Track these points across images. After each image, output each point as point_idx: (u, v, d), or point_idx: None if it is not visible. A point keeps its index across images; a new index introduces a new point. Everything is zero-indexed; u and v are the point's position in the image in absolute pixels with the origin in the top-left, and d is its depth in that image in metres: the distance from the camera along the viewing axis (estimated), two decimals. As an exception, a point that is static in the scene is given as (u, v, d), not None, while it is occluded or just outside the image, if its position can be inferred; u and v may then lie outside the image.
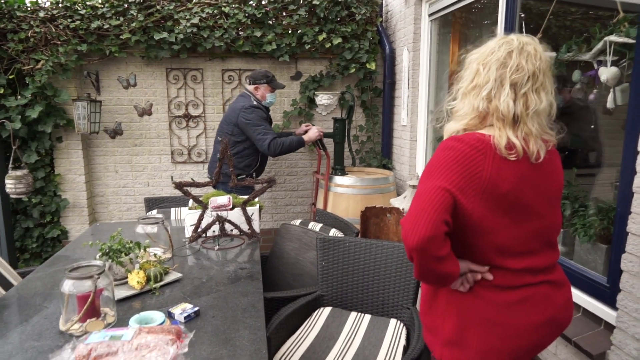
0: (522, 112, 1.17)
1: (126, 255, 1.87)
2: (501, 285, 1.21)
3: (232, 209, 2.51)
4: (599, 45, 1.82)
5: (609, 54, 1.73)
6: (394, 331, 1.92)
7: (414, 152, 3.65)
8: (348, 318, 2.04)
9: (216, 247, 2.33)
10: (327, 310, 2.10)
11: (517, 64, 1.17)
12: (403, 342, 1.85)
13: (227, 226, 2.47)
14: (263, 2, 3.61)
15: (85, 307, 1.45)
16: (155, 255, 1.99)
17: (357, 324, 1.99)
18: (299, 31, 3.68)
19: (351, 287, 2.14)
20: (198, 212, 2.46)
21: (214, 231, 2.48)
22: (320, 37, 3.65)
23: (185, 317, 1.54)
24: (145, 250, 1.94)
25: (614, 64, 1.75)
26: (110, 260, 1.82)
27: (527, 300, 1.21)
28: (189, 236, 2.45)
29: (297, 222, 2.69)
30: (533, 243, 1.21)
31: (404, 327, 1.95)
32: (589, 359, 1.70)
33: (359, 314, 2.08)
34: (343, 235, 2.37)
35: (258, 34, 3.59)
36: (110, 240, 1.88)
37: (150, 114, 3.81)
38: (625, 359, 1.58)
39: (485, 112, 1.20)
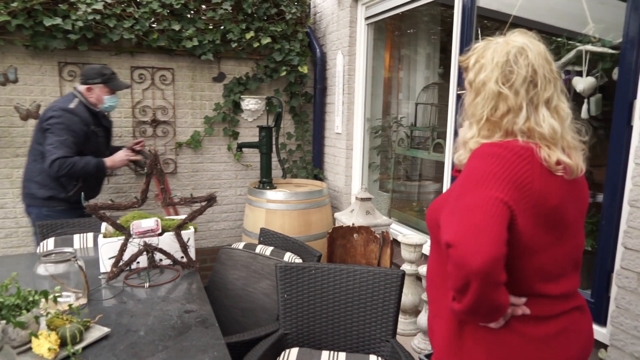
0: (560, 126, 1.05)
1: (27, 311, 1.36)
2: (540, 315, 1.06)
3: (161, 234, 2.06)
4: (571, 55, 1.79)
5: (585, 64, 1.69)
6: (378, 371, 1.67)
7: (350, 162, 3.47)
8: (320, 359, 1.74)
9: (147, 285, 1.87)
10: (294, 351, 1.78)
11: (544, 76, 1.04)
12: (392, 384, 1.61)
13: (157, 256, 2.01)
14: (181, -9, 3.15)
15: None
16: (69, 305, 1.49)
17: (332, 365, 1.70)
18: (223, 27, 3.28)
19: (320, 322, 1.84)
20: (119, 240, 1.97)
21: (138, 262, 2.01)
22: (248, 36, 3.30)
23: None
24: (55, 301, 1.44)
25: (588, 74, 1.72)
26: (3, 322, 1.30)
27: (565, 331, 1.08)
28: (105, 272, 1.95)
29: (240, 245, 2.31)
30: (568, 265, 1.09)
31: (388, 365, 1.71)
32: (583, 380, 1.63)
33: (332, 352, 1.79)
34: (301, 260, 2.06)
35: (176, 27, 3.12)
36: (0, 290, 1.36)
37: (37, 117, 3.09)
38: (621, 378, 1.52)
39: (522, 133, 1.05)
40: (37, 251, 2.35)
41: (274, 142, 3.31)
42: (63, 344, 1.33)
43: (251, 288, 2.08)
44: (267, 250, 2.19)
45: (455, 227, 0.96)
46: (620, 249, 1.54)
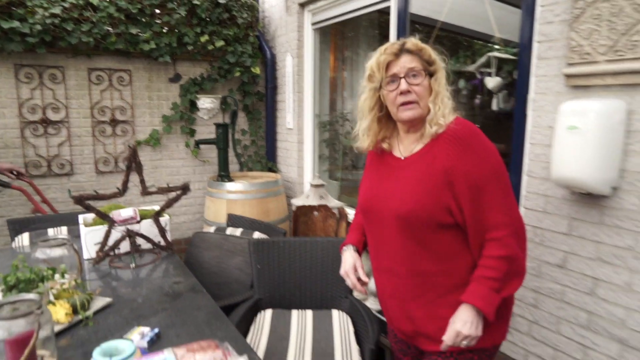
0: None
1: (42, 285, 1.56)
2: None
3: (139, 221, 2.29)
4: (482, 59, 2.24)
5: (494, 67, 2.14)
6: (340, 321, 2.02)
7: (301, 154, 3.80)
8: (291, 317, 2.06)
9: (133, 265, 2.09)
10: (269, 312, 2.09)
11: None
12: (352, 329, 1.96)
13: (138, 241, 2.23)
14: (137, -3, 3.32)
15: (25, 354, 1.18)
16: (74, 280, 1.70)
17: (302, 320, 2.03)
18: (178, 31, 3.48)
19: (289, 287, 2.17)
20: (100, 228, 2.17)
21: (118, 249, 2.22)
22: (203, 39, 3.53)
23: (148, 342, 1.38)
24: (63, 276, 1.65)
25: (496, 74, 2.17)
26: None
27: None
28: (90, 257, 2.15)
29: (211, 229, 2.57)
30: None
31: (347, 316, 2.07)
32: (498, 315, 2.08)
33: (301, 310, 2.12)
34: (268, 237, 2.37)
35: (133, 31, 3.28)
36: (12, 269, 1.56)
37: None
38: (524, 306, 1.97)
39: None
40: (12, 246, 2.47)
41: (230, 138, 3.57)
42: (74, 312, 1.56)
43: (225, 265, 2.35)
44: (237, 231, 2.48)
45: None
46: (522, 209, 1.99)
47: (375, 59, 1.29)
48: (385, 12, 2.83)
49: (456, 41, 3.21)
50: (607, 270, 1.67)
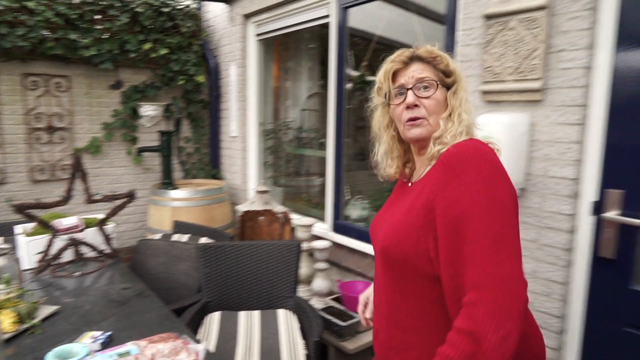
0: None
1: (-15, 295, 1.56)
2: None
3: (82, 229, 2.28)
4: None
5: (422, 82, 2.37)
6: (286, 319, 2.14)
7: (246, 161, 3.89)
8: (239, 317, 2.15)
9: (77, 274, 2.09)
10: (217, 314, 2.16)
11: None
12: (297, 325, 2.09)
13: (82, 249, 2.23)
14: (75, 1, 3.26)
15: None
16: (19, 289, 1.70)
17: (249, 321, 2.13)
18: (119, 38, 3.46)
19: (237, 289, 2.26)
20: (42, 237, 2.15)
21: (61, 257, 2.20)
22: (146, 47, 3.53)
23: (101, 344, 1.43)
24: (8, 285, 1.64)
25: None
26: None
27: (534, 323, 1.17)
28: (30, 268, 2.12)
29: (157, 236, 2.60)
30: None
31: (293, 314, 2.19)
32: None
33: (248, 311, 2.22)
34: (215, 242, 2.44)
35: (72, 36, 3.23)
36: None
37: None
38: (452, 299, 2.20)
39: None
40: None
41: (174, 145, 3.59)
42: (20, 320, 1.56)
43: (172, 270, 2.40)
44: (184, 237, 2.53)
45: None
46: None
47: (382, 69, 1.12)
48: (326, 26, 3.00)
49: (392, 54, 3.44)
50: (518, 261, 1.93)
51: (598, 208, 1.70)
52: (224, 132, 4.08)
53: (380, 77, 1.13)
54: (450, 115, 1.05)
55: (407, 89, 1.06)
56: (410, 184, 1.15)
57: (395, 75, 1.10)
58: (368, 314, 1.32)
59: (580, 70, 1.69)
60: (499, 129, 1.78)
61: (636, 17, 1.59)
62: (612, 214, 1.65)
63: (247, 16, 3.67)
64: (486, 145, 0.98)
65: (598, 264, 1.71)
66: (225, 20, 3.86)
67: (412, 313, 1.03)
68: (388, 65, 1.11)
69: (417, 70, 1.07)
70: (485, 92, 1.97)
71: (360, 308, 1.35)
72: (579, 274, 1.76)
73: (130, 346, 1.02)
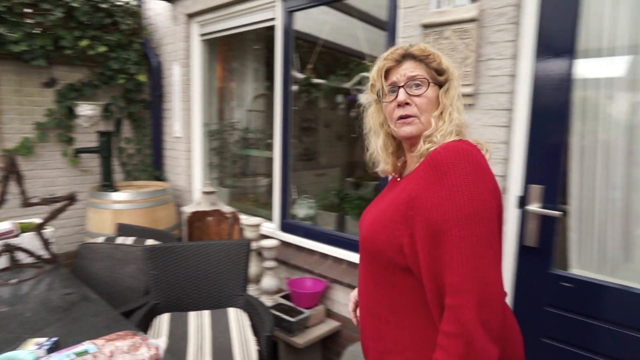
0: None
1: None
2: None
3: (16, 235, 2.18)
4: (356, 79, 2.58)
5: (365, 85, 2.49)
6: (236, 317, 2.16)
7: (190, 162, 3.84)
8: (189, 318, 2.15)
9: (14, 281, 1.99)
10: (166, 316, 2.14)
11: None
12: (248, 322, 2.12)
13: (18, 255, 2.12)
14: (4, -6, 3.07)
15: None
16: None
17: (199, 320, 2.13)
18: (53, 33, 3.30)
19: (186, 289, 2.25)
20: (-27, 244, 2.03)
21: (-7, 264, 2.09)
22: (83, 43, 3.38)
23: (47, 350, 1.39)
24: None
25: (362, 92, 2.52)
26: None
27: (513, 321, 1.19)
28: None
29: (100, 239, 2.52)
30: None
31: (244, 312, 2.22)
32: (374, 298, 2.41)
33: (198, 312, 2.21)
34: (163, 244, 2.41)
35: (0, 30, 3.03)
36: None
37: None
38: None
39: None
40: None
41: (114, 146, 3.46)
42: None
43: (117, 274, 2.34)
44: (128, 240, 2.47)
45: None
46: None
47: (376, 66, 1.13)
48: (272, 28, 3.05)
49: (336, 57, 3.57)
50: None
51: (523, 202, 1.89)
52: (167, 132, 4.00)
53: (374, 75, 1.13)
54: (441, 113, 1.05)
55: (399, 87, 1.06)
56: (398, 179, 1.17)
57: (387, 73, 1.10)
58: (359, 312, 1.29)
59: (506, 77, 1.88)
60: (436, 130, 1.92)
61: (551, 32, 1.79)
62: (534, 207, 1.85)
63: (191, 16, 3.63)
64: (474, 147, 0.99)
65: (523, 252, 1.91)
66: (168, 19, 3.79)
67: (385, 302, 1.05)
68: (381, 62, 1.11)
69: (409, 68, 1.07)
70: (423, 96, 2.11)
71: (350, 306, 1.35)
72: (508, 262, 1.94)
73: (87, 345, 1.02)
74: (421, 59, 1.08)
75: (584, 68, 1.77)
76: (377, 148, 1.20)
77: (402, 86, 1.06)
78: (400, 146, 1.21)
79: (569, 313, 1.80)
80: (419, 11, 2.12)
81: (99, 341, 1.01)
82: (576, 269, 1.84)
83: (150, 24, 4.03)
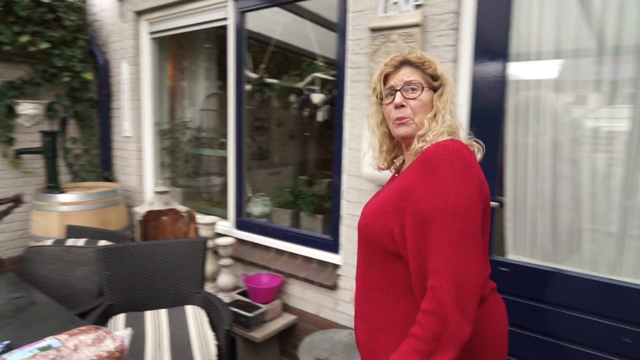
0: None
1: None
2: (487, 294, 1.18)
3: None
4: (308, 79, 2.66)
5: (318, 85, 2.58)
6: (194, 314, 2.18)
7: (141, 162, 3.77)
8: (145, 317, 2.14)
9: (-45, 287, 1.90)
10: (121, 316, 2.12)
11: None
12: (206, 319, 2.15)
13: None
14: None
15: None
16: None
17: (156, 319, 2.13)
18: (-10, 28, 3.14)
19: (142, 289, 2.23)
20: None
21: None
22: (23, 39, 3.24)
23: (-1, 353, 1.37)
24: None
25: (320, 91, 2.61)
26: None
27: (499, 303, 1.24)
28: None
29: (49, 242, 2.45)
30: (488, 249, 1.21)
31: (201, 309, 2.24)
32: (329, 289, 2.51)
33: (155, 311, 2.21)
34: (116, 244, 2.38)
35: None
36: None
37: None
38: (348, 280, 2.44)
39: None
40: None
41: (59, 147, 3.34)
42: None
43: (68, 277, 2.29)
44: (80, 241, 2.42)
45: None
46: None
47: (377, 71, 1.24)
48: (223, 27, 3.06)
49: (288, 58, 3.63)
50: (403, 244, 2.22)
51: (464, 194, 2.04)
52: (116, 132, 3.90)
53: (375, 79, 1.24)
54: (435, 115, 1.15)
55: (396, 91, 1.17)
56: (396, 175, 1.28)
57: (387, 77, 1.22)
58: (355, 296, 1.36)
59: (448, 79, 2.02)
60: (385, 128, 2.04)
61: (487, 37, 1.96)
62: (474, 198, 2.00)
63: (139, 13, 3.57)
64: (464, 146, 1.08)
65: (465, 240, 2.06)
66: (115, 15, 3.70)
67: (377, 285, 1.16)
68: (382, 68, 1.22)
69: (406, 74, 1.18)
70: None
71: (351, 295, 1.42)
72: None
73: (50, 340, 1.03)
74: (417, 65, 1.18)
75: (516, 71, 1.95)
76: (373, 146, 1.33)
77: (399, 90, 1.17)
78: (396, 145, 1.32)
79: (506, 295, 1.97)
80: (367, 15, 2.23)
81: (62, 336, 1.02)
82: (512, 255, 2.01)
83: (95, 20, 3.91)
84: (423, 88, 1.16)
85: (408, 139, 1.20)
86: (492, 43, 1.96)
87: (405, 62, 1.20)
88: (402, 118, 1.17)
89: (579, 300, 1.81)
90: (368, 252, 1.19)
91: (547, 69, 1.93)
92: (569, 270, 1.85)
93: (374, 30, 2.16)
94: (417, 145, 1.13)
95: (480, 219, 1.05)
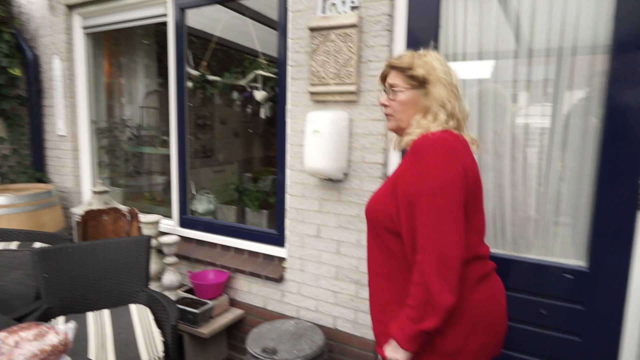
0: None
1: None
2: (483, 273, 1.28)
3: None
4: (251, 76, 2.70)
5: (260, 82, 2.62)
6: (139, 313, 2.16)
7: (77, 162, 3.63)
8: (87, 318, 2.10)
9: None
10: (61, 319, 2.07)
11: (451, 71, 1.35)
12: (152, 316, 2.14)
13: None
14: None
15: None
16: None
17: (99, 320, 2.09)
18: None
19: (82, 290, 2.18)
20: None
21: None
22: (-60, 32, 3.02)
23: None
24: None
25: (262, 88, 2.66)
26: None
27: (497, 283, 1.36)
28: None
29: (-23, 247, 2.32)
30: (484, 228, 1.35)
31: (146, 307, 2.22)
32: (275, 282, 2.57)
33: (96, 312, 2.17)
34: (54, 246, 2.30)
35: None
36: None
37: None
38: (294, 272, 2.52)
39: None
40: None
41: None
42: None
43: (1, 282, 2.18)
44: (12, 245, 2.31)
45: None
46: (287, 196, 2.52)
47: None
48: (163, 23, 3.02)
49: (230, 55, 3.63)
50: (346, 234, 2.32)
51: (400, 185, 2.17)
52: (49, 131, 3.72)
53: (379, 79, 1.44)
54: (425, 113, 1.29)
55: (384, 91, 1.39)
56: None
57: (385, 77, 1.40)
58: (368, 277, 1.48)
59: (383, 77, 2.14)
60: (325, 124, 2.13)
61: (418, 38, 2.10)
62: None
63: (71, 7, 3.43)
64: (453, 135, 1.23)
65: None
66: (44, 8, 3.52)
67: (385, 261, 1.31)
68: (383, 69, 1.40)
69: (391, 77, 1.36)
70: (313, 93, 2.31)
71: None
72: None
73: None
74: (399, 69, 1.33)
75: (443, 70, 2.10)
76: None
77: (385, 91, 1.39)
78: None
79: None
80: (307, 15, 2.31)
81: (1, 334, 1.00)
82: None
83: (22, 12, 3.71)
84: (404, 90, 1.32)
85: (399, 132, 1.39)
86: (423, 44, 2.08)
87: (391, 67, 1.37)
88: (386, 114, 1.39)
89: (503, 279, 2.00)
90: (375, 234, 1.34)
91: (470, 69, 2.10)
92: (495, 252, 2.03)
93: (313, 29, 2.24)
94: (405, 139, 1.30)
95: (461, 199, 1.18)
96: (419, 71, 1.29)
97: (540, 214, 1.96)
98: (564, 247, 1.93)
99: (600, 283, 1.82)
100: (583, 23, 1.81)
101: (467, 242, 1.19)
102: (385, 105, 1.38)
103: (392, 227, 1.26)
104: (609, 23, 1.75)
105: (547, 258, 1.95)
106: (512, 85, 1.98)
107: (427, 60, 1.31)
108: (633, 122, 1.71)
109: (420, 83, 1.30)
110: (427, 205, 1.15)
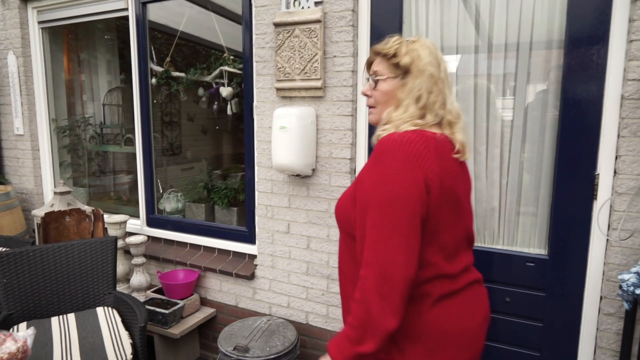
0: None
1: None
2: (446, 293, 1.13)
3: None
4: (216, 72, 2.66)
5: (225, 78, 2.59)
6: (106, 316, 2.12)
7: (37, 162, 3.50)
8: (51, 323, 2.04)
9: None
10: (23, 325, 2.00)
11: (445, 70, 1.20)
12: (119, 319, 2.10)
13: None
14: None
15: None
16: None
17: (64, 324, 2.04)
18: None
19: (45, 295, 2.11)
20: None
21: None
22: None
23: None
24: None
25: (229, 85, 2.62)
26: None
27: (468, 302, 1.18)
28: None
29: None
30: (464, 241, 1.20)
31: (113, 309, 2.17)
32: (246, 279, 2.56)
33: (61, 316, 2.11)
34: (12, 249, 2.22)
35: None
36: None
37: None
38: (265, 269, 2.51)
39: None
40: None
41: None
42: None
43: (-44, 289, 2.09)
44: (-32, 251, 2.21)
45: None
46: (257, 193, 2.51)
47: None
48: (124, 18, 2.94)
49: (196, 50, 3.56)
50: (315, 229, 2.33)
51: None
52: (5, 130, 3.57)
53: (365, 66, 1.28)
54: (397, 106, 1.15)
55: (367, 79, 1.23)
56: None
57: (370, 65, 1.25)
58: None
59: (349, 72, 2.15)
60: (292, 120, 2.12)
61: (381, 34, 2.10)
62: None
63: (25, 0, 3.29)
64: (423, 138, 1.06)
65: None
66: (-3, 1, 3.37)
67: (350, 262, 1.20)
68: (369, 56, 1.25)
69: (375, 64, 1.21)
70: (279, 89, 2.30)
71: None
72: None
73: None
74: (383, 55, 1.19)
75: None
76: None
77: (368, 78, 1.22)
78: None
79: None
80: (271, 10, 2.30)
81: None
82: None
83: (-28, 6, 3.53)
84: (386, 79, 1.18)
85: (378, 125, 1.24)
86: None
87: (375, 52, 1.22)
88: (369, 106, 1.25)
89: (467, 268, 2.06)
90: (342, 235, 1.24)
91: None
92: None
93: (278, 25, 2.22)
94: (374, 135, 1.17)
95: (417, 213, 1.03)
96: (405, 59, 1.15)
97: (503, 205, 2.03)
98: (527, 236, 2.00)
99: (559, 270, 1.90)
100: (538, 19, 1.87)
101: (423, 260, 1.07)
102: (367, 96, 1.24)
103: (354, 232, 1.15)
104: (562, 19, 1.81)
105: (511, 248, 2.02)
106: (473, 80, 2.03)
107: (413, 48, 1.16)
108: (587, 115, 1.78)
109: (404, 72, 1.16)
110: (378, 217, 1.02)
